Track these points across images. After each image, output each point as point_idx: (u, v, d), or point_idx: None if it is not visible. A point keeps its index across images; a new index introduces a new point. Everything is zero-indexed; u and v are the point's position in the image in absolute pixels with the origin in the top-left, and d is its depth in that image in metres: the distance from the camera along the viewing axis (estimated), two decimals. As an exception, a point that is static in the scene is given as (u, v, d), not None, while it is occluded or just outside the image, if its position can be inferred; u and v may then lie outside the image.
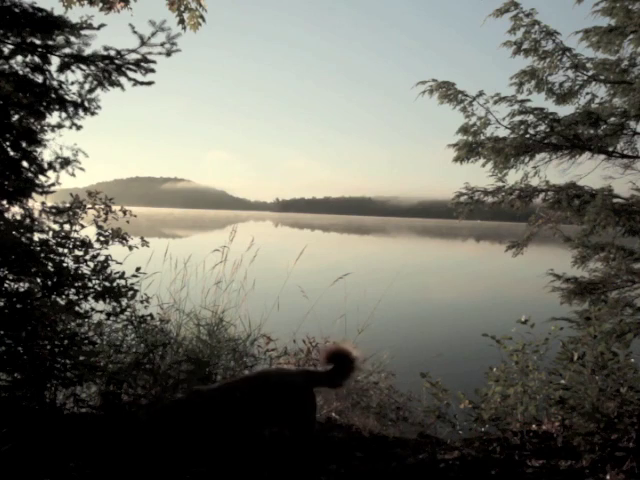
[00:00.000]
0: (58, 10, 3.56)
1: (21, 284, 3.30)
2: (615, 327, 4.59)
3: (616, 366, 3.20)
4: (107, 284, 3.52)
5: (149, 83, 3.78)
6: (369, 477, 2.84)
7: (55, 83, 3.61)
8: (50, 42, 3.51)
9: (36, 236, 3.51)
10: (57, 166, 3.77)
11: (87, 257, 3.58)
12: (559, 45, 5.43)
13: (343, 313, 5.03)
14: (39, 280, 3.35)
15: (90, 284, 3.51)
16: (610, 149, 5.58)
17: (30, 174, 3.62)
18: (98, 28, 3.58)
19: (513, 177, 5.75)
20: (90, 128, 4.69)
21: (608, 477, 2.75)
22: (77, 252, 3.57)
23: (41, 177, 3.71)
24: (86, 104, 3.74)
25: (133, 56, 3.68)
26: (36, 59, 3.54)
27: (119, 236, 3.70)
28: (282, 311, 4.99)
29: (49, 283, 3.36)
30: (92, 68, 3.65)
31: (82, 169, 3.92)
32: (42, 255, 3.33)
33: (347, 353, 2.76)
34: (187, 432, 2.40)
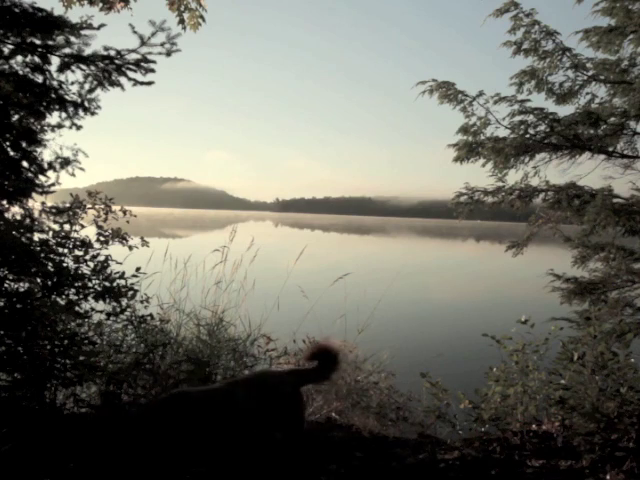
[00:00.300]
0: (58, 10, 3.57)
1: (21, 284, 3.29)
2: (615, 327, 4.60)
3: (616, 366, 3.20)
4: (107, 284, 3.52)
5: (149, 83, 3.78)
6: (369, 477, 2.84)
7: (55, 83, 3.62)
8: (50, 42, 3.51)
9: (36, 236, 3.51)
10: (57, 166, 3.78)
11: (87, 257, 3.58)
12: (559, 45, 5.43)
13: (343, 313, 5.03)
14: (39, 280, 3.35)
15: (90, 284, 3.51)
16: (610, 149, 5.58)
17: (30, 174, 3.62)
18: (98, 28, 3.58)
19: (513, 177, 5.76)
20: (90, 128, 4.70)
21: (608, 477, 2.75)
22: (77, 252, 3.57)
23: (41, 177, 3.71)
24: (86, 104, 3.74)
25: (133, 56, 3.68)
26: (36, 59, 3.54)
27: (119, 236, 3.70)
28: (282, 311, 4.98)
29: (49, 283, 3.36)
30: (92, 68, 3.65)
31: (82, 169, 3.92)
32: (42, 255, 3.33)
33: (330, 349, 2.79)
34: (167, 432, 2.41)
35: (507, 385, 3.49)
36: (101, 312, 3.64)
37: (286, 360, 4.40)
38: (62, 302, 3.37)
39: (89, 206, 3.78)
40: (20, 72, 3.52)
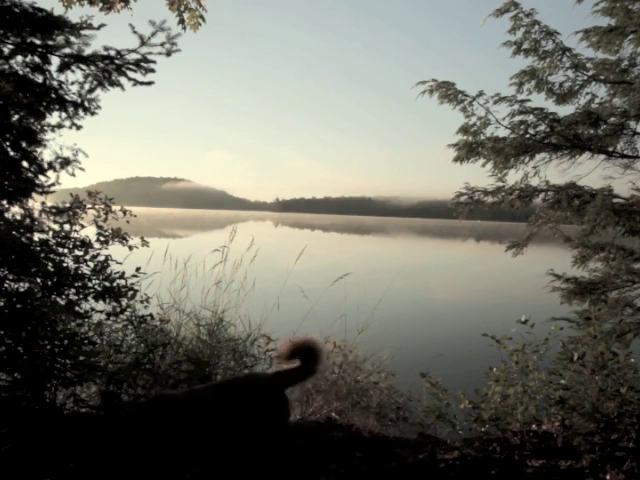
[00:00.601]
0: (58, 10, 3.57)
1: (21, 284, 3.29)
2: (615, 327, 4.59)
3: (616, 366, 3.20)
4: (107, 284, 3.52)
5: (149, 83, 3.78)
6: (369, 477, 2.84)
7: (55, 83, 3.62)
8: (50, 42, 3.51)
9: (36, 236, 3.51)
10: (57, 166, 3.78)
11: (87, 257, 3.57)
12: (559, 45, 5.43)
13: (343, 313, 5.03)
14: (39, 280, 3.34)
15: (90, 284, 3.50)
16: (610, 149, 5.58)
17: (30, 174, 3.62)
18: (98, 28, 3.58)
19: (513, 177, 5.76)
20: (90, 128, 4.69)
21: (608, 477, 2.75)
22: (77, 252, 3.56)
23: (41, 177, 3.71)
24: (86, 104, 3.74)
25: (133, 56, 3.68)
26: (36, 59, 3.54)
27: (119, 236, 3.70)
28: (282, 311, 4.98)
29: (49, 283, 3.36)
30: (92, 68, 3.65)
31: (82, 169, 3.92)
32: (42, 255, 3.32)
33: (307, 344, 2.73)
34: (150, 433, 2.44)
35: (507, 385, 3.49)
36: (101, 312, 3.64)
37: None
38: (62, 302, 3.37)
39: (89, 206, 3.77)
40: (20, 72, 3.52)
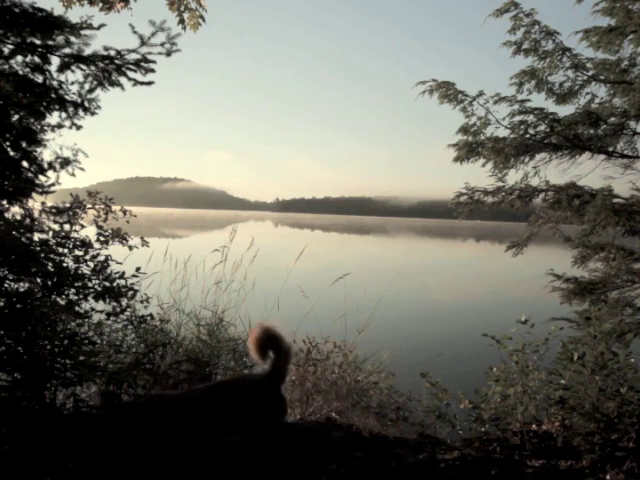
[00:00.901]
0: (58, 10, 3.56)
1: (21, 284, 3.29)
2: (615, 327, 4.59)
3: (616, 366, 3.20)
4: (107, 284, 3.51)
5: (149, 83, 3.77)
6: (369, 477, 2.84)
7: (55, 83, 3.61)
8: (50, 42, 3.50)
9: (36, 236, 3.51)
10: (57, 166, 3.77)
11: (87, 257, 3.57)
12: (559, 45, 5.43)
13: (343, 313, 5.03)
14: (39, 280, 3.34)
15: (90, 284, 3.50)
16: (610, 149, 5.58)
17: (30, 174, 3.62)
18: (98, 28, 3.58)
19: (513, 177, 5.76)
20: (90, 128, 4.68)
21: (608, 477, 2.75)
22: (77, 252, 3.56)
23: (41, 177, 3.70)
24: (86, 104, 3.74)
25: (133, 56, 3.68)
26: (36, 59, 3.53)
27: (119, 236, 3.69)
28: (282, 311, 4.99)
29: (49, 283, 3.35)
30: (92, 68, 3.65)
31: (82, 169, 3.92)
32: (42, 255, 3.32)
33: (267, 333, 2.63)
34: (147, 435, 2.45)
35: (507, 385, 3.49)
36: (101, 312, 3.64)
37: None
38: (62, 302, 3.37)
39: (89, 206, 3.77)
40: (20, 72, 3.52)
